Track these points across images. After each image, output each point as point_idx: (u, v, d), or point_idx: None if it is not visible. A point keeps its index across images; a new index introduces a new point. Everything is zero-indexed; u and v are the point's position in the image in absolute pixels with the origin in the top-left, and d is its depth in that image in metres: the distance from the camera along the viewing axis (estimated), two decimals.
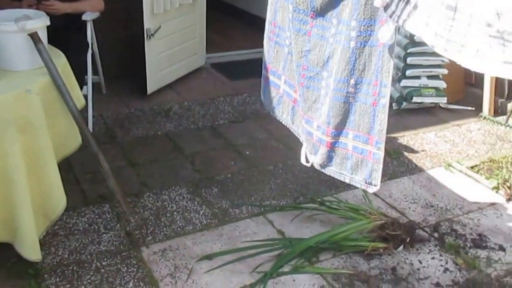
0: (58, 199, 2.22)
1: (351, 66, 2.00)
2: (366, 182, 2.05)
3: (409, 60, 3.79)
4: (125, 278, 2.23)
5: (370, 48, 1.95)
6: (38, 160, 2.15)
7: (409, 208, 2.79)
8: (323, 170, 2.25)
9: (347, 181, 2.17)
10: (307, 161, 2.37)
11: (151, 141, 3.37)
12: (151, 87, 3.86)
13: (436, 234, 2.58)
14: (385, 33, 1.81)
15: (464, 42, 1.48)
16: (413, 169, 3.18)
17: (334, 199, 2.75)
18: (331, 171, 2.22)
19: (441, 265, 2.39)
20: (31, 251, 2.13)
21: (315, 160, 2.28)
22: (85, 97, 3.01)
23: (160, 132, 3.48)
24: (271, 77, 2.54)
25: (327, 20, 2.12)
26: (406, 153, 3.36)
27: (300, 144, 2.48)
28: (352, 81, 2.01)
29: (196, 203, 2.75)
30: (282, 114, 2.55)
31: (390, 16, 1.71)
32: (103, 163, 2.37)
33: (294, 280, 2.27)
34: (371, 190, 2.07)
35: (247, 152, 3.29)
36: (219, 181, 2.96)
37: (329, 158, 2.17)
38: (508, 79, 3.33)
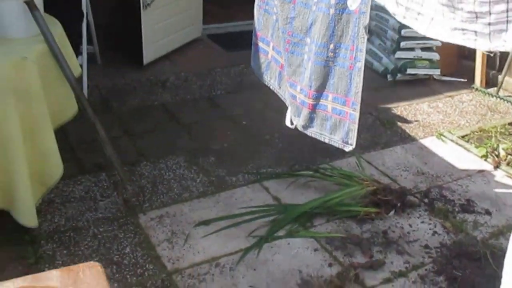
0: (55, 166, 2.22)
1: (331, 32, 2.08)
2: (343, 141, 2.14)
3: (403, 32, 3.76)
4: (123, 244, 2.25)
5: (347, 15, 2.02)
6: (34, 128, 2.14)
7: (401, 175, 2.81)
8: (305, 132, 2.31)
9: (326, 141, 2.23)
10: (292, 123, 2.41)
11: (147, 112, 3.36)
12: (147, 58, 3.82)
13: (426, 200, 2.61)
14: (353, 1, 1.94)
15: (421, 10, 1.57)
16: (406, 139, 3.19)
17: (329, 166, 2.77)
18: (313, 132, 2.28)
19: (430, 229, 2.42)
20: (28, 218, 2.13)
21: (299, 122, 2.33)
22: (80, 66, 2.99)
23: (156, 103, 3.47)
24: (260, 44, 2.59)
25: None
26: (399, 123, 3.36)
27: None
28: (332, 46, 2.09)
29: (193, 171, 2.76)
30: (270, 79, 2.60)
31: None
32: (100, 131, 2.37)
33: (289, 244, 2.30)
34: (347, 149, 2.15)
35: (244, 122, 3.29)
36: (216, 150, 2.97)
37: (310, 120, 2.25)
38: (497, 51, 3.36)
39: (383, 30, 3.99)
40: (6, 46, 2.22)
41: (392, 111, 3.52)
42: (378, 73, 3.99)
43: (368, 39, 2.01)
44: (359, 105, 2.03)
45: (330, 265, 2.19)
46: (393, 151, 3.06)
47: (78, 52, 3.23)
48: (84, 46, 3.37)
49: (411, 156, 3.00)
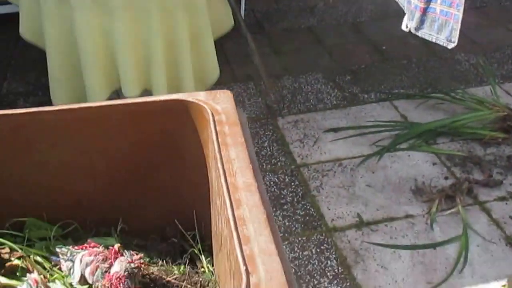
0: (213, 69, 2.62)
1: None
2: (447, 40, 2.27)
3: None
4: (262, 139, 2.61)
5: None
6: (199, 35, 2.54)
7: None
8: (417, 33, 2.42)
9: (433, 40, 2.35)
10: (406, 27, 2.51)
11: (295, 34, 3.63)
12: None
13: None
14: None
15: None
16: None
17: (461, 91, 2.83)
18: (423, 33, 2.41)
19: None
20: None
21: (412, 24, 2.45)
22: None
23: (303, 26, 3.72)
24: None
25: None
26: None
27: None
28: None
29: (329, 87, 3.01)
30: None
31: None
32: (250, 42, 2.70)
33: (409, 156, 2.47)
34: (450, 46, 2.25)
35: (384, 47, 3.41)
36: (352, 70, 3.16)
37: (421, 22, 2.38)
38: None
39: None
40: None
41: None
42: None
43: None
44: (462, 6, 2.15)
45: (446, 178, 2.33)
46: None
47: None
48: None
49: None
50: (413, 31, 2.44)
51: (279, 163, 2.45)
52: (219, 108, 0.86)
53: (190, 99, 0.87)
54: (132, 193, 0.96)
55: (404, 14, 2.54)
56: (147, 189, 0.94)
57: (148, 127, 0.90)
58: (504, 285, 1.87)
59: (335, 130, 2.64)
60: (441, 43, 2.28)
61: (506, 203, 2.20)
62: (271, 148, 2.54)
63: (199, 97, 0.91)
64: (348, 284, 1.90)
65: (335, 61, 3.28)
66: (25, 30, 2.36)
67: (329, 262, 1.99)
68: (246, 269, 0.57)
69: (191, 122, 0.88)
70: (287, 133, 2.64)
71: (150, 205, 0.95)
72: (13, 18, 2.55)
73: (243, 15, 3.71)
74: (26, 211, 0.94)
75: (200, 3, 2.52)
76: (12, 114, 0.87)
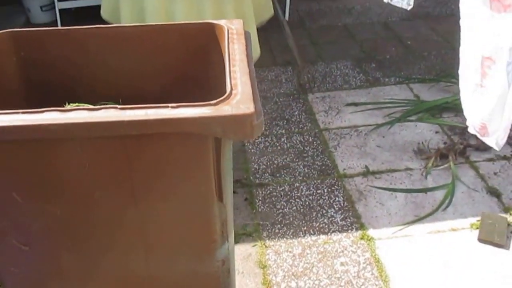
0: (255, 49, 3.09)
1: None
2: (407, 4, 2.53)
3: None
4: (293, 109, 3.06)
5: None
6: (244, 18, 3.01)
7: None
8: (391, 2, 2.66)
9: (399, 5, 2.60)
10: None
11: (332, 30, 4.07)
12: None
13: None
14: None
15: None
16: None
17: None
18: (395, 2, 2.63)
19: None
20: None
21: None
22: None
23: (340, 24, 4.15)
24: None
25: None
26: None
27: None
28: None
29: (356, 72, 3.42)
30: None
31: None
32: (285, 27, 3.17)
33: (416, 126, 2.84)
34: (409, 8, 2.54)
35: (409, 42, 3.79)
36: (378, 59, 3.56)
37: None
38: None
39: None
40: None
41: None
42: None
43: None
44: None
45: (445, 143, 2.69)
46: None
47: None
48: None
49: None
50: (390, 1, 2.77)
51: (305, 127, 2.90)
52: (232, 27, 1.33)
53: (215, 22, 1.35)
54: (176, 90, 1.43)
55: None
56: (186, 85, 1.42)
57: (190, 41, 1.38)
58: (478, 220, 2.21)
59: (355, 104, 3.05)
60: (403, 7, 2.59)
61: (493, 163, 2.54)
62: (300, 116, 2.99)
63: (221, 22, 1.39)
64: (350, 214, 2.31)
65: (364, 52, 3.69)
66: (105, 12, 2.93)
67: (337, 198, 2.40)
68: (231, 87, 1.04)
69: (216, 37, 1.35)
70: (314, 106, 3.08)
71: (188, 95, 1.42)
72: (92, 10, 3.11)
73: (287, 14, 4.20)
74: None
75: None
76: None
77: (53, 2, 3.79)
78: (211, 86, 1.35)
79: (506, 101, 1.83)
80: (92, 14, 3.17)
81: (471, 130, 2.12)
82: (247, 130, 1.00)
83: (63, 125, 0.96)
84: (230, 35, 1.28)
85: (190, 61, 1.40)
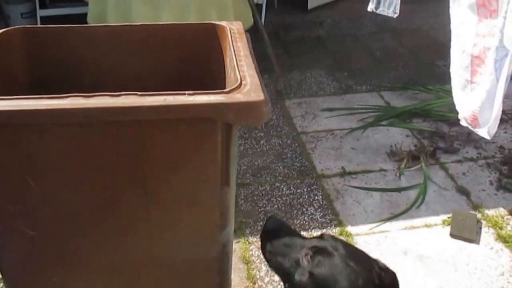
0: None
1: None
2: (393, 12, 2.66)
3: None
4: (271, 114, 3.14)
5: None
6: None
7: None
8: (376, 11, 2.80)
9: (385, 14, 2.73)
10: (370, 8, 2.96)
11: (305, 41, 4.21)
12: (311, 5, 4.66)
13: None
14: None
15: None
16: None
17: (436, 85, 3.34)
18: (380, 10, 2.77)
19: (510, 137, 2.89)
20: None
21: (372, 6, 2.83)
22: (261, 6, 3.94)
23: (313, 35, 4.30)
24: None
25: None
26: None
27: None
28: None
29: (329, 80, 3.56)
30: None
31: None
32: (264, 36, 3.27)
33: (388, 130, 2.98)
34: (395, 16, 2.66)
35: (377, 54, 3.96)
36: (350, 68, 3.71)
37: (378, 3, 2.77)
38: None
39: None
40: None
41: None
42: None
43: None
44: None
45: (415, 145, 2.84)
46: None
47: None
48: None
49: None
50: (374, 10, 2.93)
51: (283, 131, 2.99)
52: (233, 27, 1.41)
53: (218, 23, 1.43)
54: (178, 88, 1.50)
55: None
56: (188, 82, 1.48)
57: (193, 41, 1.45)
58: (449, 217, 2.35)
59: (330, 109, 3.17)
60: (389, 15, 2.74)
61: (461, 164, 2.70)
62: (278, 120, 3.08)
63: (222, 23, 1.47)
64: (329, 211, 2.40)
65: (337, 62, 3.83)
66: (92, 18, 2.97)
67: (316, 197, 2.49)
68: (240, 78, 1.12)
69: (217, 37, 1.42)
70: (292, 110, 3.18)
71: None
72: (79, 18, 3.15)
73: (263, 24, 4.30)
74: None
75: (228, 3, 3.11)
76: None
77: (34, 9, 3.77)
78: (211, 84, 1.43)
79: (496, 95, 1.99)
80: (74, 22, 3.19)
81: (462, 122, 2.28)
82: (257, 116, 1.08)
83: (87, 109, 1.02)
84: (232, 34, 1.36)
85: (192, 60, 1.47)
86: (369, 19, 4.59)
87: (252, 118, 1.08)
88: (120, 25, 1.50)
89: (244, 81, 1.12)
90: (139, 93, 1.05)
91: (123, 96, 1.04)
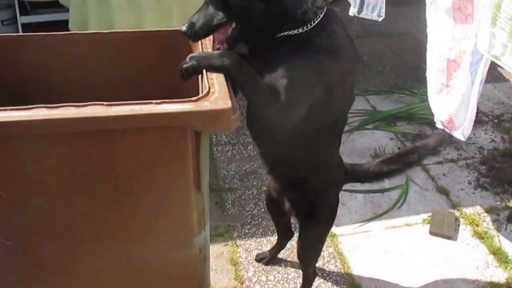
0: None
1: None
2: (378, 15, 2.66)
3: None
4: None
5: None
6: None
7: (482, 103, 3.23)
8: (359, 15, 2.82)
9: (369, 17, 2.73)
10: (352, 13, 2.92)
11: None
12: None
13: (496, 120, 3.03)
14: None
15: None
16: (499, 80, 3.54)
17: (418, 89, 3.32)
18: (363, 14, 2.79)
19: (490, 138, 2.88)
20: None
21: (355, 10, 2.85)
22: None
23: None
24: None
25: None
26: (499, 68, 3.70)
27: None
28: None
29: None
30: None
31: None
32: None
33: (373, 133, 2.97)
34: (380, 19, 2.66)
35: (365, 58, 3.94)
36: None
37: (360, 7, 2.79)
38: None
39: None
40: None
41: None
42: None
43: None
44: None
45: (398, 148, 2.82)
46: (484, 87, 3.45)
47: None
48: None
49: (497, 91, 3.38)
50: (356, 14, 2.91)
51: None
52: None
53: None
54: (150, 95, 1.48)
55: (349, 5, 2.95)
56: (160, 89, 1.46)
57: (165, 47, 1.43)
58: (429, 216, 2.33)
59: None
60: (374, 19, 2.74)
61: (442, 166, 2.68)
62: None
63: None
64: None
65: None
66: (73, 24, 2.90)
67: None
68: (209, 86, 1.10)
69: (188, 44, 1.41)
70: None
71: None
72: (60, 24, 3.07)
73: None
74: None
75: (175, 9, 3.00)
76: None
77: (15, 16, 3.67)
78: (184, 90, 1.41)
79: (470, 98, 1.97)
80: (55, 29, 3.18)
81: (438, 125, 2.27)
82: (225, 124, 1.06)
83: (51, 121, 1.00)
84: (203, 41, 1.35)
85: (162, 66, 1.45)
86: (357, 22, 4.58)
87: (220, 126, 1.07)
88: (85, 33, 1.48)
89: (212, 89, 1.11)
90: (105, 103, 1.03)
91: (89, 107, 1.02)
